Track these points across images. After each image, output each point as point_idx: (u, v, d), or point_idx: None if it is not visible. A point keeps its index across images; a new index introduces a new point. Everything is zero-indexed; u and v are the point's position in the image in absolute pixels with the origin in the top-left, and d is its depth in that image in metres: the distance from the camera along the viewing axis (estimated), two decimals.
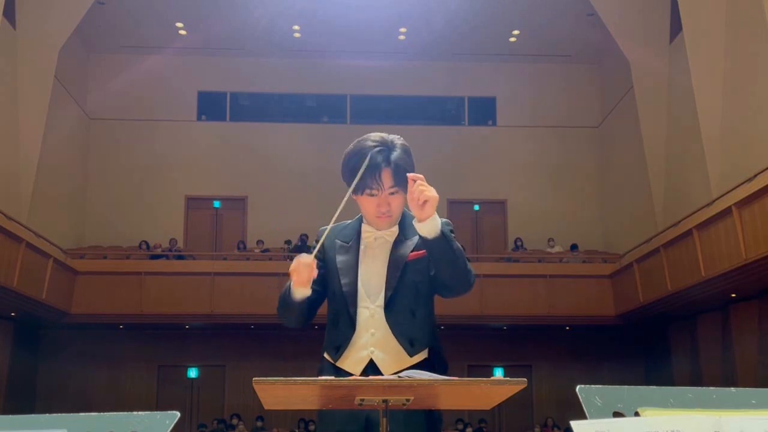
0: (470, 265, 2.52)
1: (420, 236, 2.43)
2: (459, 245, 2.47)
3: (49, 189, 14.70)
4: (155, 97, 17.31)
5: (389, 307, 2.50)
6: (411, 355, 2.48)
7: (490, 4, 15.43)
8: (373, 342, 2.50)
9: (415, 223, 2.42)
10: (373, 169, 2.51)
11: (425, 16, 15.74)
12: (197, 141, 17.29)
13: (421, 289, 2.54)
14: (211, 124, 17.61)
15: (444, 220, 2.61)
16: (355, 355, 2.51)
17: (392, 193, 2.54)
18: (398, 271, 2.52)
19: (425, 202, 2.35)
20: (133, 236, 16.29)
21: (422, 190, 2.35)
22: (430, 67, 17.55)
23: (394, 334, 2.48)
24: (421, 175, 2.38)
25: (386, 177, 2.52)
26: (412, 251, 2.55)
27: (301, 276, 2.41)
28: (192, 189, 17.21)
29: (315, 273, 2.44)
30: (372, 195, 2.53)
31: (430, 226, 2.38)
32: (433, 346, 2.54)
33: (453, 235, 2.50)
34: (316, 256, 2.60)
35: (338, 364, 2.53)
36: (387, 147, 2.54)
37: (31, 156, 13.92)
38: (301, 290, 2.46)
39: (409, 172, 2.53)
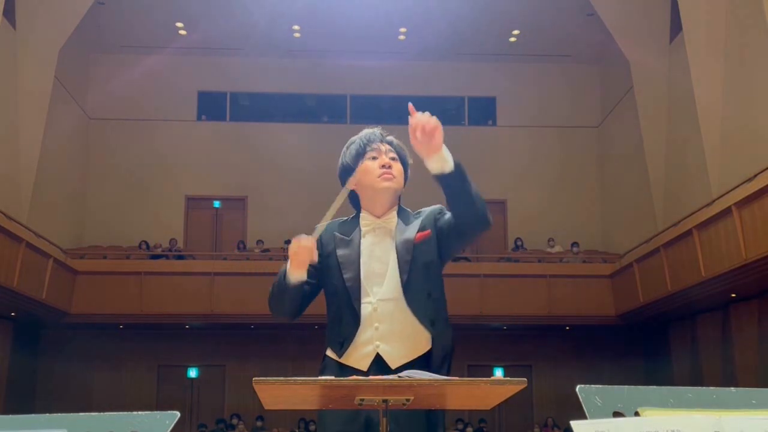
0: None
1: (434, 176, 2.35)
2: None
3: (49, 189, 14.69)
4: (155, 97, 17.30)
5: (407, 290, 2.50)
6: (432, 334, 2.47)
7: (490, 4, 15.42)
8: (378, 336, 2.49)
9: (427, 163, 2.35)
10: (371, 140, 2.62)
11: (425, 16, 15.73)
12: (197, 141, 17.28)
13: (432, 269, 2.54)
14: (211, 124, 17.60)
15: (438, 207, 2.64)
16: (360, 351, 2.50)
17: (392, 158, 2.60)
18: (409, 254, 2.52)
19: (433, 129, 2.29)
20: (133, 236, 16.29)
21: (428, 118, 2.30)
22: (430, 67, 17.54)
23: (416, 316, 2.48)
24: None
25: (383, 146, 2.62)
26: (417, 233, 2.56)
27: (300, 258, 2.43)
28: (192, 189, 17.21)
29: (315, 257, 2.46)
30: (374, 158, 2.58)
31: (443, 158, 2.34)
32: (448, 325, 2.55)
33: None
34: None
35: (342, 360, 2.52)
36: (382, 133, 2.67)
37: (31, 156, 13.91)
38: (298, 274, 2.47)
39: (405, 160, 2.64)
